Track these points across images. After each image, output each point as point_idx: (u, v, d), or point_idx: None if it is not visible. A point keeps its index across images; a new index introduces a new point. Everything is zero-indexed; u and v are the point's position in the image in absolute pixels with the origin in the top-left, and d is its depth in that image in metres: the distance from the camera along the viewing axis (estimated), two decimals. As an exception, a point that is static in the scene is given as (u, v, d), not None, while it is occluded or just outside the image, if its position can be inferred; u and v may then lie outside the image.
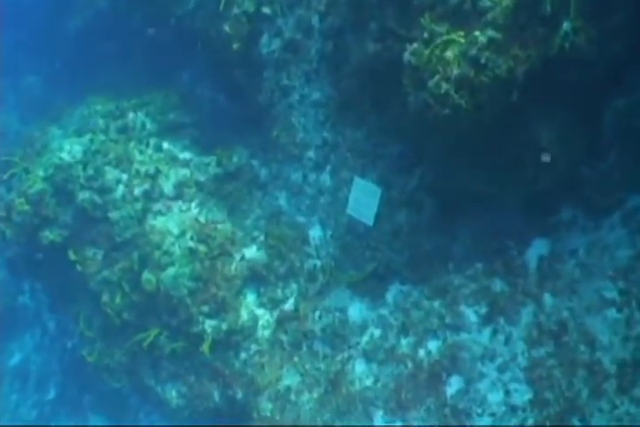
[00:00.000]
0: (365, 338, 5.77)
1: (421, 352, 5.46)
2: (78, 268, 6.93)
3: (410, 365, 5.47)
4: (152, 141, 7.30)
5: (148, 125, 7.52)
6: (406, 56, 4.50)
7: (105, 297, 6.81)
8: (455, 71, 4.24)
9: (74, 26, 10.26)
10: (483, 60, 4.20)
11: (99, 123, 7.46)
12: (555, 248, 5.10)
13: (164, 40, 8.35)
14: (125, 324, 6.82)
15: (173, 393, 6.72)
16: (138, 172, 6.80)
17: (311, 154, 6.44)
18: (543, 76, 4.37)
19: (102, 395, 8.39)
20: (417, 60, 4.38)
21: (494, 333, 5.18)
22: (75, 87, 9.71)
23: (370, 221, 5.70)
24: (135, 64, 9.14)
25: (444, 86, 4.26)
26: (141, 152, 7.13)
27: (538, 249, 5.15)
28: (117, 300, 6.65)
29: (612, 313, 4.60)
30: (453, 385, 5.17)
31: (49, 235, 6.97)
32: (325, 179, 6.37)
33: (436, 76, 4.28)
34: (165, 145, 7.31)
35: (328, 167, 6.38)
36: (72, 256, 6.95)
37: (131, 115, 7.58)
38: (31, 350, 9.97)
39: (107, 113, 7.59)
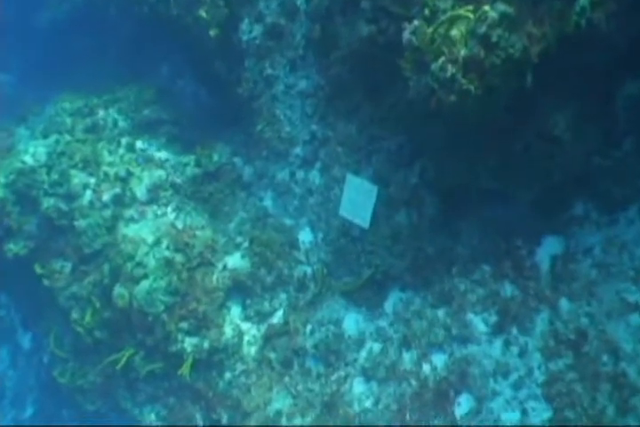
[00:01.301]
0: (363, 354, 5.39)
1: (426, 368, 5.11)
2: (45, 282, 6.51)
3: (414, 383, 5.11)
4: (124, 141, 6.85)
5: (120, 123, 7.10)
6: (406, 35, 4.02)
7: (74, 314, 6.38)
8: (462, 52, 3.78)
9: (47, 20, 9.96)
10: (494, 39, 3.75)
11: (66, 122, 7.00)
12: (568, 247, 4.81)
13: (142, 33, 8.10)
14: (98, 342, 6.39)
15: (152, 416, 6.28)
16: (107, 175, 6.28)
17: (298, 150, 6.03)
18: (557, 58, 3.96)
19: (82, 412, 7.79)
20: (418, 39, 3.89)
21: (506, 344, 4.85)
22: (49, 85, 9.25)
23: (365, 223, 5.37)
24: (112, 59, 8.85)
25: (450, 69, 3.79)
26: (111, 153, 6.66)
27: (549, 248, 4.87)
28: (88, 317, 6.11)
29: (635, 318, 4.32)
30: (463, 405, 4.85)
31: (13, 247, 6.52)
32: (315, 177, 5.99)
33: (441, 58, 3.82)
34: (139, 144, 6.86)
35: (317, 164, 5.98)
36: (38, 270, 6.53)
37: (101, 112, 7.16)
38: (7, 365, 9.48)
39: (75, 111, 7.13)
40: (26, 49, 10.61)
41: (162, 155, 6.71)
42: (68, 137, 6.68)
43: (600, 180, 4.71)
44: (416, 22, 3.95)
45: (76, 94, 7.34)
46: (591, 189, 4.79)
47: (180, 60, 7.95)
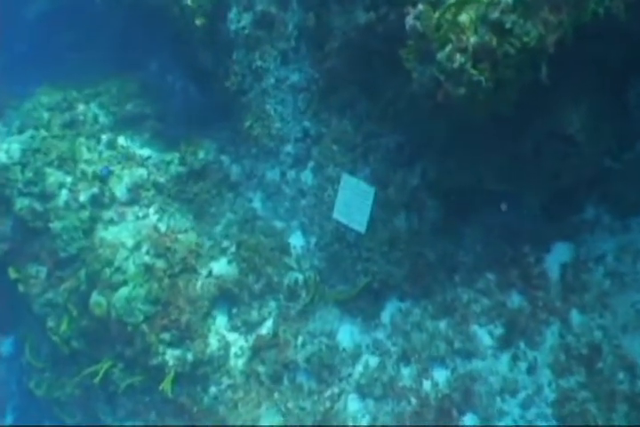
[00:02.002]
0: (359, 368, 5.12)
1: (427, 385, 4.89)
2: (20, 288, 6.15)
3: (413, 400, 4.88)
4: (105, 137, 6.47)
5: (101, 118, 6.71)
6: (409, 21, 3.67)
7: (50, 322, 6.03)
8: (472, 39, 3.43)
9: (33, 13, 9.59)
10: (508, 25, 3.42)
11: (43, 117, 6.60)
12: (579, 254, 4.69)
13: (130, 26, 7.82)
14: (76, 353, 6.04)
15: (133, 432, 5.83)
16: (84, 173, 5.89)
17: (290, 148, 5.69)
18: (572, 49, 3.63)
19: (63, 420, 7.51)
20: (423, 25, 3.54)
21: (514, 359, 4.68)
22: (32, 80, 8.71)
23: (362, 228, 5.09)
24: (100, 53, 8.43)
25: (459, 59, 3.45)
26: (90, 149, 6.25)
27: (559, 255, 4.74)
28: (64, 326, 5.76)
29: (652, 332, 4.17)
30: (467, 425, 4.67)
31: (-14, 250, 6.16)
32: (307, 177, 5.69)
33: (448, 46, 3.47)
34: (120, 141, 6.48)
35: (310, 163, 5.66)
36: (13, 274, 6.17)
37: (81, 107, 6.76)
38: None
39: (53, 105, 6.72)
40: (12, 42, 10.08)
41: (144, 152, 6.35)
42: (43, 133, 6.27)
43: (611, 183, 4.58)
44: (421, 6, 3.60)
45: (55, 88, 6.98)
46: (602, 193, 4.67)
47: (169, 55, 7.63)
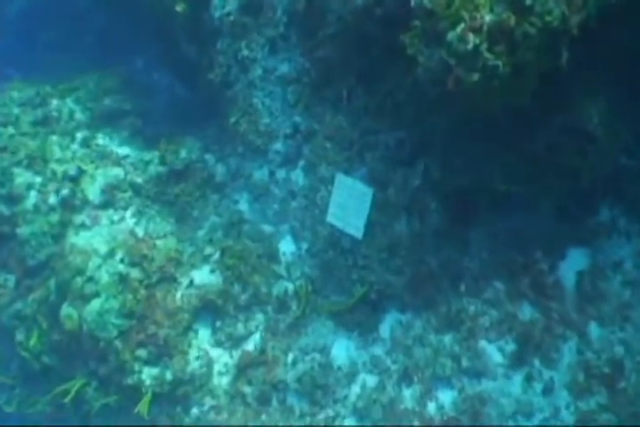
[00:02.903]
0: (356, 389, 4.71)
1: (431, 407, 4.50)
2: None
3: (416, 424, 4.51)
4: (80, 134, 6.06)
5: (77, 115, 6.32)
6: None
7: (19, 336, 5.55)
8: (487, 18, 3.05)
9: (15, 9, 9.28)
10: (528, 2, 3.04)
11: (13, 113, 6.17)
12: (595, 261, 4.44)
13: (115, 23, 7.67)
14: (47, 369, 5.57)
15: (109, 456, 5.35)
16: (54, 173, 5.41)
17: (279, 145, 5.29)
18: (595, 34, 3.29)
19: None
20: (432, 1, 3.09)
21: (528, 379, 4.32)
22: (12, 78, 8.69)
23: (358, 232, 4.74)
24: (84, 52, 8.21)
25: (472, 40, 3.05)
26: (63, 148, 5.83)
27: (574, 262, 4.47)
28: (34, 340, 5.32)
29: (678, 347, 3.98)
30: None
31: (-48, 256, 5.74)
32: (298, 177, 5.31)
33: (460, 26, 3.07)
34: (97, 138, 6.08)
35: (301, 162, 5.28)
36: None
37: (54, 102, 6.35)
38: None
39: (25, 101, 6.31)
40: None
41: (122, 151, 5.93)
42: (11, 130, 5.86)
43: (627, 182, 4.39)
44: (428, -20, 3.16)
45: (29, 83, 6.57)
46: (617, 193, 4.46)
47: (155, 53, 7.46)
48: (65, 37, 8.50)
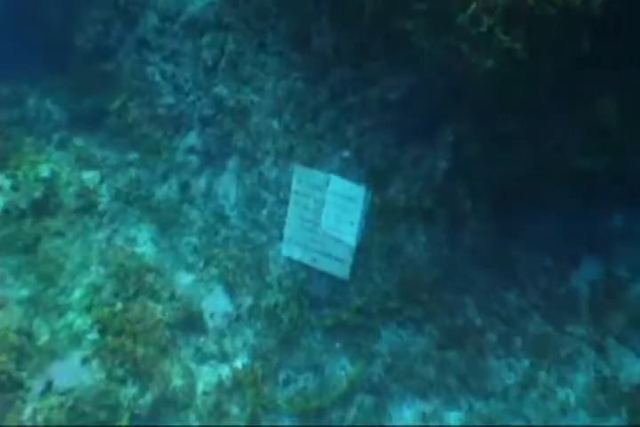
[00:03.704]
0: (353, 411, 4.34)
1: None
2: None
3: None
4: (57, 136, 5.75)
5: (56, 115, 5.97)
6: None
7: None
8: None
9: None
10: None
11: None
12: (610, 269, 4.23)
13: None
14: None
15: (86, 481, 4.92)
16: (26, 176, 5.02)
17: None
18: (617, 19, 3.01)
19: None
20: None
21: (542, 399, 4.06)
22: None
23: (352, 240, 4.29)
24: None
25: (486, 21, 2.71)
26: (38, 151, 5.47)
27: (588, 270, 4.27)
28: (4, 356, 4.88)
29: None
30: None
31: None
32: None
33: (472, 5, 2.72)
34: (76, 140, 5.73)
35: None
36: None
37: (31, 101, 6.01)
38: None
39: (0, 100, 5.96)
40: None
41: (101, 153, 5.55)
42: (-17, 131, 5.49)
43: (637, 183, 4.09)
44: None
45: (4, 82, 6.15)
46: (629, 196, 4.22)
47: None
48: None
